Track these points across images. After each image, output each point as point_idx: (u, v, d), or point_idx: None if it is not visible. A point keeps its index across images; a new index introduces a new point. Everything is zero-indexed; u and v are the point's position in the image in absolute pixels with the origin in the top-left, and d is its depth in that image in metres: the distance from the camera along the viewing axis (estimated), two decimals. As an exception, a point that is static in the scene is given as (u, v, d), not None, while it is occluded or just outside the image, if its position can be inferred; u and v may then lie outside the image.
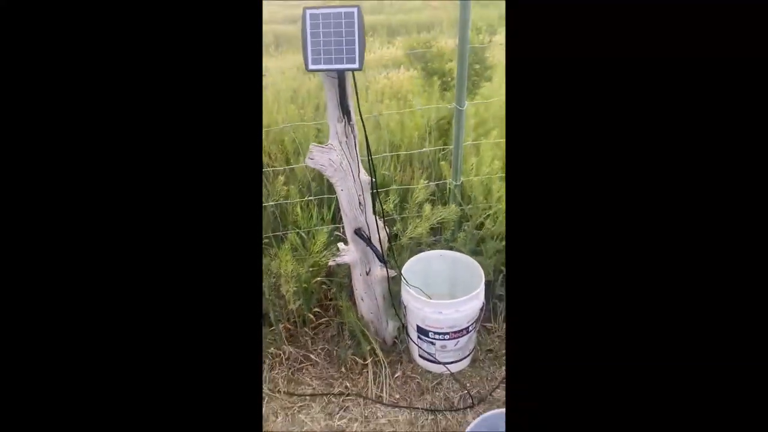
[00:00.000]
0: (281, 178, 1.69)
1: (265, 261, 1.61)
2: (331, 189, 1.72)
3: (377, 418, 1.36)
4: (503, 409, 1.02)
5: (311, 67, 0.96)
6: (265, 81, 2.49)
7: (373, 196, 1.29)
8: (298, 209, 1.62)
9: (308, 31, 0.95)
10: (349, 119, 1.13)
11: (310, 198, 1.67)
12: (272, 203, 1.67)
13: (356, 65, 0.95)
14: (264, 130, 1.92)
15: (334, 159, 1.19)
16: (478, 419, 1.00)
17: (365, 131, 1.12)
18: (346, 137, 1.17)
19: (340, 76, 1.05)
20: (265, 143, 1.93)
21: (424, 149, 1.75)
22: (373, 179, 1.25)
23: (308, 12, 0.94)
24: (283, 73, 2.85)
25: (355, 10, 0.92)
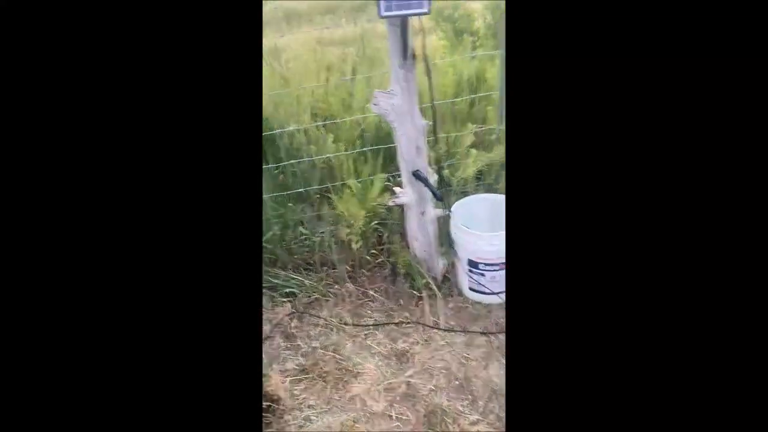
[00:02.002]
0: (330, 135, 1.81)
1: (324, 210, 1.75)
2: (375, 142, 1.84)
3: (436, 340, 1.52)
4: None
5: (384, 13, 1.07)
6: (286, 55, 2.59)
7: (434, 138, 1.41)
8: (350, 162, 1.75)
9: (381, -20, 1.05)
10: (411, 64, 1.24)
11: (361, 150, 1.79)
12: (324, 157, 1.80)
13: (425, 9, 1.06)
14: (300, 93, 2.03)
15: (396, 104, 1.30)
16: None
17: (429, 73, 1.23)
18: (406, 82, 1.28)
19: (403, 23, 1.16)
20: (305, 105, 2.04)
21: (467, 97, 1.86)
22: (432, 123, 1.36)
23: (381, -38, 1.04)
24: (303, 44, 2.94)
25: (423, -42, 1.02)
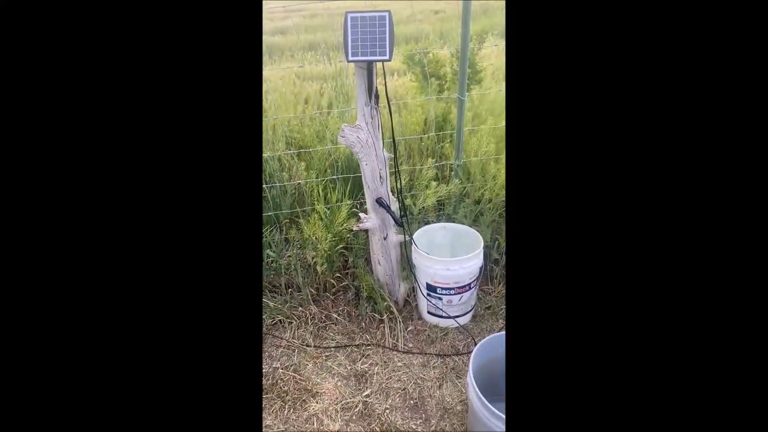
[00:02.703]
0: (302, 163, 1.92)
1: (291, 234, 1.82)
2: (345, 171, 1.96)
3: (394, 362, 1.58)
4: (503, 332, 1.26)
5: (351, 58, 1.21)
6: (266, 86, 2.74)
7: (395, 170, 1.53)
8: (319, 188, 1.85)
9: (349, 30, 1.20)
10: (375, 103, 1.38)
11: (332, 177, 1.90)
12: (294, 183, 1.89)
13: (387, 57, 1.20)
14: (275, 123, 2.15)
15: (362, 137, 1.43)
16: (483, 340, 1.24)
17: (390, 113, 1.36)
18: (372, 118, 1.41)
19: (369, 67, 1.30)
20: (279, 134, 2.16)
21: (428, 134, 2.02)
22: (394, 155, 1.49)
23: (349, 15, 1.19)
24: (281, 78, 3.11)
25: (387, 14, 1.18)
